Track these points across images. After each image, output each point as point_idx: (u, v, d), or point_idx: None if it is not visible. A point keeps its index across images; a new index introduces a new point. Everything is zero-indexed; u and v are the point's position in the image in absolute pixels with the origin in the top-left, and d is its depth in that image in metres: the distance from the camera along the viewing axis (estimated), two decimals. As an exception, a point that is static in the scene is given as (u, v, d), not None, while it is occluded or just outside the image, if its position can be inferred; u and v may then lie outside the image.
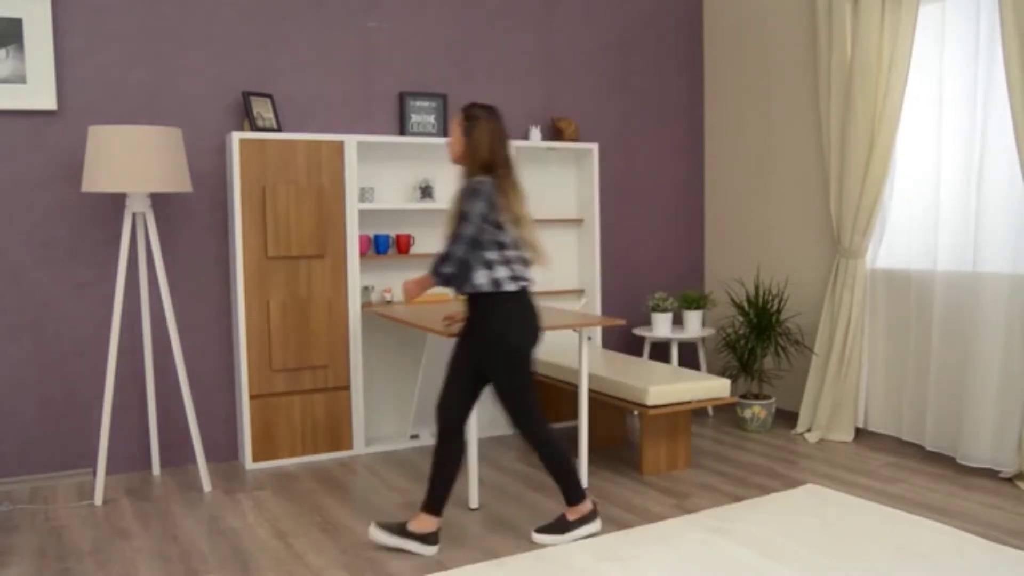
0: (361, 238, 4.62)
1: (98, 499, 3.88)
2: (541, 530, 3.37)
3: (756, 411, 4.93)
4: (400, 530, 3.28)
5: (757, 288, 5.12)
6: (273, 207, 4.34)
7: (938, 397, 4.35)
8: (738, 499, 3.77)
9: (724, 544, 3.16)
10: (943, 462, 4.28)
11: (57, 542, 3.43)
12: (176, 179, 3.88)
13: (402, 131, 4.87)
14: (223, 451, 4.53)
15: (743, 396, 5.00)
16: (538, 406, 3.36)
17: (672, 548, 3.14)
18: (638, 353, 5.66)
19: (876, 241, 4.70)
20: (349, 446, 4.60)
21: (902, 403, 4.61)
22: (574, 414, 5.16)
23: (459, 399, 3.33)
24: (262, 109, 4.43)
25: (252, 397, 4.36)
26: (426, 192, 4.82)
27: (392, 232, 4.84)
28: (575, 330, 3.85)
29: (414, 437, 4.79)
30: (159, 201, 4.35)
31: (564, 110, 5.40)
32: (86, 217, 4.21)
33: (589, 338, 4.84)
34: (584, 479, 3.99)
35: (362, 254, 4.62)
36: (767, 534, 3.24)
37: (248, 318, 4.35)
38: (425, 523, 3.28)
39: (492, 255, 3.19)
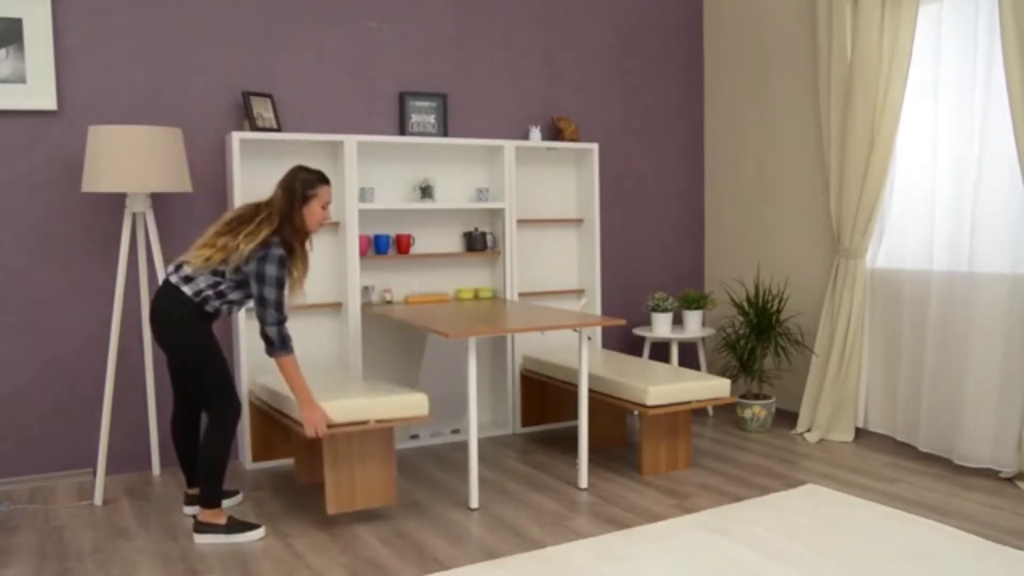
0: (361, 238, 4.62)
1: (98, 499, 3.88)
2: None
3: (756, 411, 4.93)
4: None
5: (757, 288, 5.12)
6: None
7: (937, 397, 4.35)
8: (738, 499, 3.77)
9: (724, 544, 3.16)
10: (942, 462, 4.28)
11: (57, 542, 3.43)
12: (176, 179, 3.88)
13: (402, 131, 4.87)
14: (223, 451, 4.52)
15: (743, 396, 5.00)
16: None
17: (672, 548, 3.14)
18: (638, 353, 5.66)
19: (876, 241, 4.70)
20: (349, 446, 4.59)
21: (901, 403, 4.60)
22: (574, 414, 5.16)
23: None
24: (262, 109, 4.43)
25: (252, 396, 4.36)
26: (426, 192, 4.82)
27: (392, 232, 4.84)
28: (575, 330, 3.85)
29: (414, 437, 4.79)
30: (159, 201, 4.35)
31: (564, 110, 5.40)
32: (86, 217, 4.21)
33: (589, 338, 4.84)
34: (584, 479, 3.99)
35: (362, 254, 4.62)
36: (767, 534, 3.24)
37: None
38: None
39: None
